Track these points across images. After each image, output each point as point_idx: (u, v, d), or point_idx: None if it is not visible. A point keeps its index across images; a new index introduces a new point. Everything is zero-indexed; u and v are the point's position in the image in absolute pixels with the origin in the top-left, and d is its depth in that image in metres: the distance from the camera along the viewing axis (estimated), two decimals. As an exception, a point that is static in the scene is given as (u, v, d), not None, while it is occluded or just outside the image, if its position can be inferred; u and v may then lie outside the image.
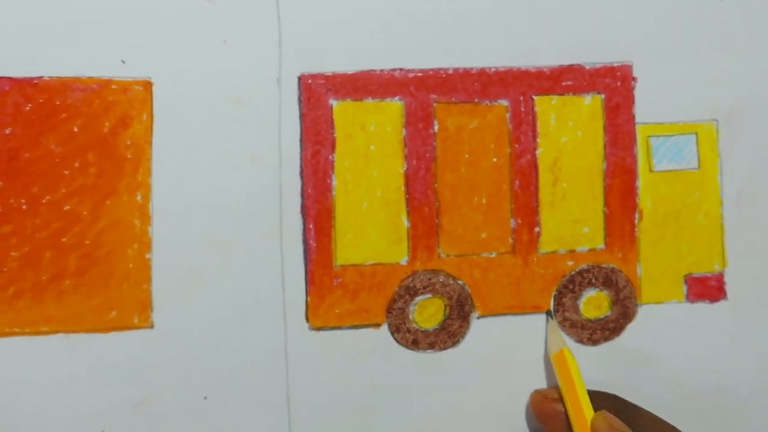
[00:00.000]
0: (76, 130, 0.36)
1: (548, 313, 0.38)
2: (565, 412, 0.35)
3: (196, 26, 0.36)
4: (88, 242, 0.36)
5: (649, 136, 0.38)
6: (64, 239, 0.35)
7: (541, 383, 0.38)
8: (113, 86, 0.36)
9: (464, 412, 0.38)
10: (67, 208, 0.35)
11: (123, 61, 0.36)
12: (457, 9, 0.38)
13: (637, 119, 0.38)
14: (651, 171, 0.38)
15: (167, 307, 0.36)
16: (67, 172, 0.35)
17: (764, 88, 0.39)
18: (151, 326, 0.36)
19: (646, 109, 0.38)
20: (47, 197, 0.35)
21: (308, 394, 0.37)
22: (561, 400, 0.36)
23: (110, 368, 0.35)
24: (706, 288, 0.39)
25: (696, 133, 0.39)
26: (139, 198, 0.36)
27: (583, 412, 0.34)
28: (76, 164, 0.36)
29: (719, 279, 0.39)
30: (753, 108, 0.39)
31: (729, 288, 0.39)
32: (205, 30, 0.36)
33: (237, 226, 0.36)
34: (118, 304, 0.36)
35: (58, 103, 0.35)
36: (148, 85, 0.36)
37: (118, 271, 0.36)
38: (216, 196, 0.36)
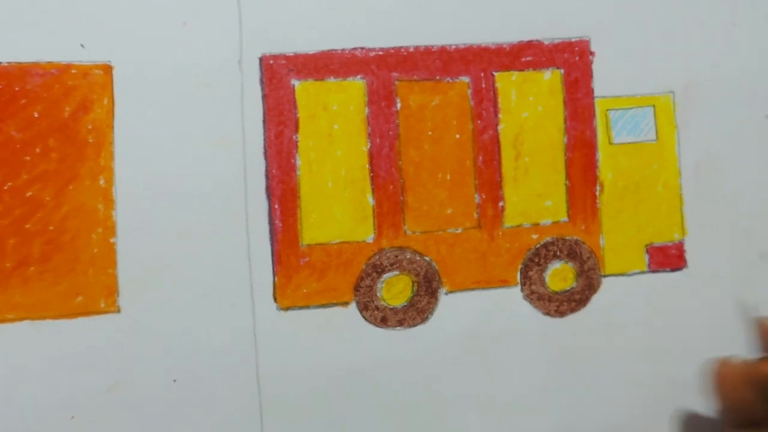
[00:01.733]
0: (36, 115, 0.37)
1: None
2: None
3: (156, 9, 0.37)
4: (51, 228, 0.37)
5: (607, 110, 0.40)
6: (27, 226, 0.36)
7: (513, 357, 0.40)
8: (73, 71, 0.37)
9: (435, 389, 0.39)
10: (29, 194, 0.36)
11: (82, 45, 0.37)
12: (417, -13, 0.39)
13: (596, 93, 0.40)
14: (610, 144, 0.40)
15: (133, 291, 0.37)
16: (28, 158, 0.36)
17: (719, 60, 0.41)
18: (118, 311, 0.37)
19: (604, 83, 0.40)
20: (9, 184, 0.36)
21: (278, 374, 0.38)
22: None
23: (78, 354, 0.36)
24: (667, 257, 0.41)
25: (653, 106, 0.41)
26: (102, 182, 0.37)
27: None
28: (38, 150, 0.37)
29: (679, 247, 0.41)
30: (709, 79, 0.41)
31: (689, 256, 0.41)
32: (165, 12, 0.37)
33: (202, 208, 0.37)
34: (84, 290, 0.37)
35: (17, 88, 0.36)
36: (108, 69, 0.37)
37: (83, 257, 0.37)
38: (180, 179, 0.37)
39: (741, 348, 0.41)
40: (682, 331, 0.41)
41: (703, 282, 0.41)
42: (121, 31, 0.37)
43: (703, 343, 0.41)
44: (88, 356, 0.37)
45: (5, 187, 0.36)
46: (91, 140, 0.37)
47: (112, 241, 0.37)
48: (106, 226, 0.37)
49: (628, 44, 0.41)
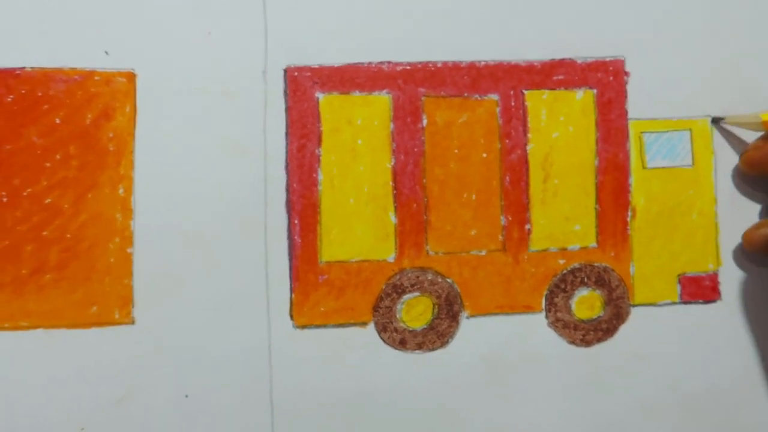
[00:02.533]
0: (58, 121, 0.37)
1: (713, 121, 0.39)
2: None
3: (181, 17, 0.38)
4: (69, 236, 0.37)
5: (642, 132, 0.39)
6: (45, 233, 0.37)
7: (533, 385, 0.39)
8: (96, 77, 0.37)
9: (452, 415, 0.39)
10: (48, 200, 0.37)
11: (106, 52, 0.37)
12: (447, 2, 0.39)
13: (630, 115, 0.40)
14: (644, 168, 0.39)
15: (148, 302, 0.37)
16: (48, 165, 0.37)
17: (759, 84, 0.40)
18: (132, 322, 0.37)
19: (638, 104, 0.39)
20: (28, 190, 0.37)
21: (292, 393, 0.38)
22: None
23: (90, 364, 0.37)
24: (700, 288, 0.40)
25: (690, 130, 0.40)
26: (121, 191, 0.37)
27: None
28: (58, 156, 0.37)
29: (713, 279, 0.40)
30: (747, 104, 0.40)
31: (723, 288, 0.40)
32: (190, 21, 0.38)
33: (220, 220, 0.37)
34: (99, 299, 0.37)
35: (40, 94, 0.37)
36: (131, 77, 0.37)
37: (99, 266, 0.37)
38: (199, 190, 0.37)
39: (776, 387, 0.40)
40: (714, 367, 0.40)
41: (737, 316, 0.40)
42: (146, 39, 0.37)
43: (734, 379, 0.40)
44: (100, 367, 0.37)
45: (24, 193, 0.36)
46: (111, 148, 0.37)
47: (129, 251, 0.37)
48: (123, 236, 0.37)
49: (664, 65, 0.40)
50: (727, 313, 0.40)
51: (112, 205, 0.37)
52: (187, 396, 0.37)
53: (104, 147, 0.37)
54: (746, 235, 0.39)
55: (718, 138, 0.40)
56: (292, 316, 0.38)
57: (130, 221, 0.37)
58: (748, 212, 0.40)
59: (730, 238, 0.40)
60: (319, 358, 0.38)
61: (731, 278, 0.40)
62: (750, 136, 0.40)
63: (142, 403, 0.37)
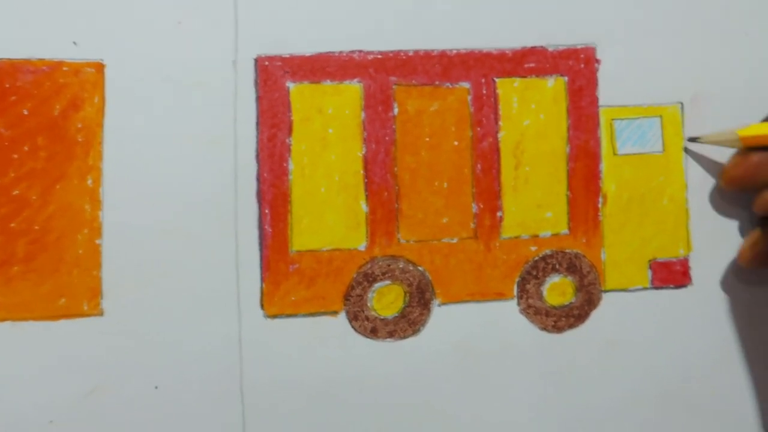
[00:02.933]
0: (25, 112, 0.37)
1: (689, 140, 0.39)
2: None
3: (150, 7, 0.38)
4: (37, 227, 0.37)
5: (612, 119, 0.40)
6: (12, 224, 0.36)
7: (505, 371, 0.39)
8: (64, 68, 0.37)
9: (424, 403, 0.39)
10: (15, 192, 0.37)
11: (75, 43, 0.37)
12: (417, -10, 0.39)
13: (601, 102, 0.40)
14: (615, 154, 0.40)
15: (117, 294, 0.37)
16: (16, 156, 0.37)
17: (729, 70, 0.40)
18: (101, 314, 0.37)
19: (609, 91, 0.40)
20: (-5, 181, 0.36)
21: (263, 383, 0.38)
22: None
23: (59, 357, 0.36)
24: (671, 273, 0.40)
25: (660, 116, 0.40)
26: (89, 182, 0.37)
27: None
28: (26, 148, 0.37)
29: (684, 264, 0.40)
30: (718, 90, 0.40)
31: (694, 273, 0.40)
32: (160, 11, 0.38)
33: (190, 211, 0.37)
34: (68, 291, 0.37)
35: (7, 85, 0.37)
36: (100, 67, 0.37)
37: (67, 257, 0.37)
38: (169, 181, 0.37)
39: (745, 369, 0.40)
40: (685, 351, 0.40)
41: (707, 300, 0.40)
42: (115, 29, 0.37)
43: (706, 362, 0.40)
44: (68, 359, 0.36)
45: (-9, 185, 0.36)
46: (80, 139, 0.37)
47: (97, 242, 0.37)
48: (92, 227, 0.37)
49: (635, 52, 0.40)
50: (698, 297, 0.40)
51: (81, 197, 0.37)
52: (156, 387, 0.37)
53: (72, 138, 0.37)
54: (742, 255, 0.39)
55: (688, 124, 0.40)
56: (262, 306, 0.38)
57: (99, 212, 0.37)
58: (719, 198, 0.40)
59: (701, 223, 0.40)
60: (289, 348, 0.38)
61: (702, 263, 0.40)
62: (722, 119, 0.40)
63: (112, 396, 0.37)
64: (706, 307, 0.40)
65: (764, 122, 0.38)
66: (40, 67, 0.37)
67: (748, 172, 0.38)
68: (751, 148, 0.38)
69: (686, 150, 0.40)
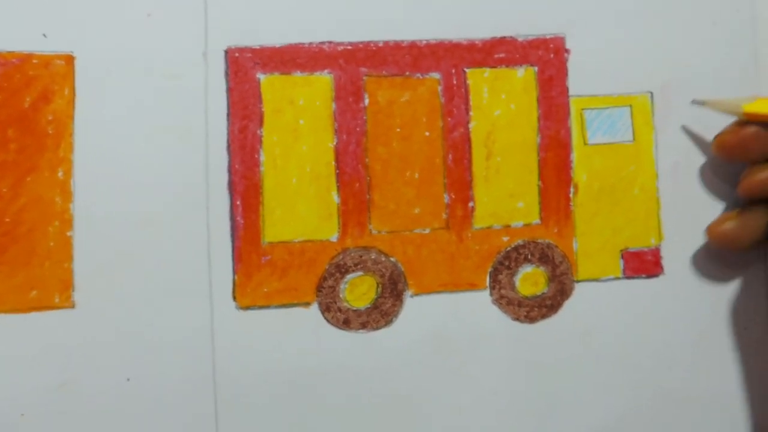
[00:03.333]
0: (-5, 105, 0.37)
1: (694, 102, 0.40)
2: None
3: (120, -1, 0.38)
4: (7, 220, 0.37)
5: (583, 109, 0.40)
6: (-18, 217, 0.37)
7: (478, 362, 0.39)
8: (34, 60, 0.37)
9: (397, 394, 0.39)
10: (-14, 185, 0.37)
11: (44, 35, 0.37)
12: (387, -19, 0.39)
13: (571, 92, 0.40)
14: (585, 144, 0.40)
15: (89, 286, 0.37)
16: (-14, 149, 0.37)
17: (699, 60, 0.41)
18: (73, 306, 0.37)
19: (579, 81, 0.40)
20: (-35, 174, 0.37)
21: (235, 375, 0.38)
22: None
23: (30, 349, 0.36)
24: (643, 263, 0.40)
25: (630, 106, 0.40)
26: (60, 174, 0.37)
27: None
28: (-4, 140, 0.37)
29: (656, 253, 0.40)
30: (688, 80, 0.41)
31: (665, 262, 0.40)
32: (129, 3, 0.38)
33: (162, 203, 0.38)
34: (39, 284, 0.37)
35: (-23, 78, 0.37)
36: (70, 60, 0.37)
37: (38, 250, 0.37)
38: (140, 173, 0.37)
39: (718, 357, 0.40)
40: (657, 340, 0.40)
41: (679, 289, 0.40)
42: (84, 21, 0.37)
43: (678, 351, 0.40)
44: (40, 352, 0.37)
45: (-39, 178, 0.37)
46: (50, 131, 0.37)
47: (68, 234, 0.37)
48: (63, 219, 0.37)
49: (604, 42, 0.40)
50: (670, 287, 0.40)
51: (52, 189, 0.37)
52: (128, 380, 0.37)
53: (43, 130, 0.37)
54: (710, 231, 0.39)
55: (658, 113, 0.41)
56: (235, 298, 0.38)
57: (70, 204, 0.37)
58: (689, 187, 0.40)
59: (672, 212, 0.40)
60: (262, 339, 0.38)
61: (673, 252, 0.40)
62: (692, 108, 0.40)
63: (84, 388, 0.37)
64: (677, 297, 0.40)
65: None
66: (10, 59, 0.37)
67: (742, 141, 0.38)
68: (751, 122, 0.38)
69: (694, 102, 0.40)
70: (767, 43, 0.41)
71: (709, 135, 0.40)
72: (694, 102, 0.40)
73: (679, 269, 0.40)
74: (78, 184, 0.37)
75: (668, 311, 0.40)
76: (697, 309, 0.40)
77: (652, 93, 0.40)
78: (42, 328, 0.37)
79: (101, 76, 0.37)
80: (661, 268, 0.40)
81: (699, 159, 0.40)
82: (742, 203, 0.39)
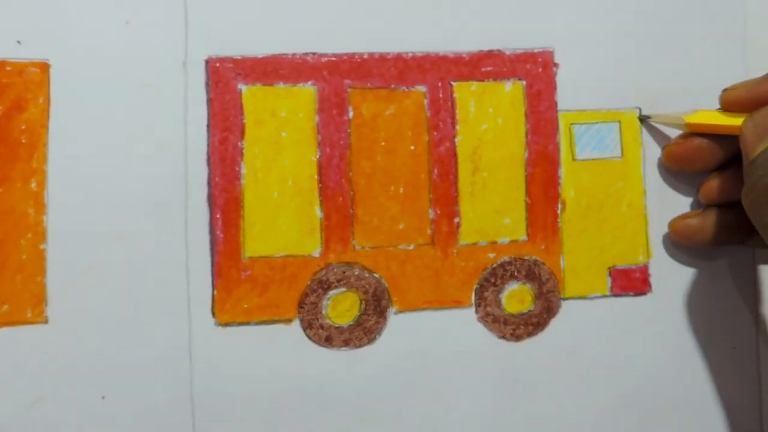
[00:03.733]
0: (-33, 114, 0.36)
1: (640, 118, 0.40)
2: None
3: (98, 6, 0.37)
4: (-22, 232, 0.36)
5: (571, 124, 0.40)
6: (-48, 229, 0.36)
7: (463, 381, 0.39)
8: (7, 68, 0.36)
9: (381, 413, 0.38)
10: (-44, 196, 0.36)
11: (18, 42, 0.36)
12: (373, -9, 0.39)
13: (559, 106, 0.40)
14: (573, 160, 0.40)
15: (63, 301, 0.36)
16: (-44, 158, 0.36)
17: (687, 76, 0.41)
18: (45, 321, 0.36)
19: (568, 96, 0.40)
20: (-65, 184, 0.36)
21: (214, 394, 0.37)
22: None
23: (1, 366, 0.35)
24: (631, 280, 0.40)
25: (619, 122, 0.40)
26: (33, 185, 0.36)
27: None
28: (-33, 150, 0.36)
29: (643, 271, 0.40)
30: (677, 96, 0.40)
31: (653, 280, 0.40)
32: (107, 9, 0.37)
33: (139, 216, 0.37)
34: (10, 298, 0.36)
35: (-52, 85, 0.36)
36: (45, 67, 0.37)
37: (10, 263, 0.36)
38: (117, 184, 0.37)
39: (706, 376, 0.40)
40: (645, 358, 0.40)
41: (667, 308, 0.40)
42: (60, 28, 0.37)
43: (665, 370, 0.40)
44: (11, 369, 0.36)
45: (-69, 188, 0.36)
46: (23, 141, 0.36)
47: (41, 247, 0.36)
48: (36, 232, 0.36)
49: (593, 57, 0.40)
50: (658, 305, 0.40)
51: (24, 200, 0.36)
52: (103, 397, 0.36)
53: (16, 139, 0.36)
54: (672, 225, 0.40)
55: (646, 130, 0.40)
56: (213, 314, 0.37)
57: (44, 216, 0.36)
58: (677, 204, 0.40)
59: (660, 230, 0.40)
60: (242, 357, 0.37)
61: (661, 270, 0.40)
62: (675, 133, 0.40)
63: (57, 406, 0.36)
64: (665, 315, 0.40)
65: (712, 111, 0.39)
66: (-17, 66, 0.36)
67: (687, 152, 0.39)
68: (697, 133, 0.38)
69: (641, 119, 0.40)
70: (758, 61, 0.41)
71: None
72: (641, 117, 0.40)
73: (668, 287, 0.40)
74: (52, 196, 0.36)
75: (656, 330, 0.40)
76: (685, 328, 0.40)
77: (640, 109, 0.40)
78: (13, 343, 0.36)
79: (77, 85, 0.36)
80: (649, 286, 0.40)
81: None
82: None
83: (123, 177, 0.37)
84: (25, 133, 0.36)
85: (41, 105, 0.37)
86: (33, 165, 0.36)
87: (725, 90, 0.38)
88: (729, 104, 0.38)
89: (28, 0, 0.36)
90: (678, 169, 0.40)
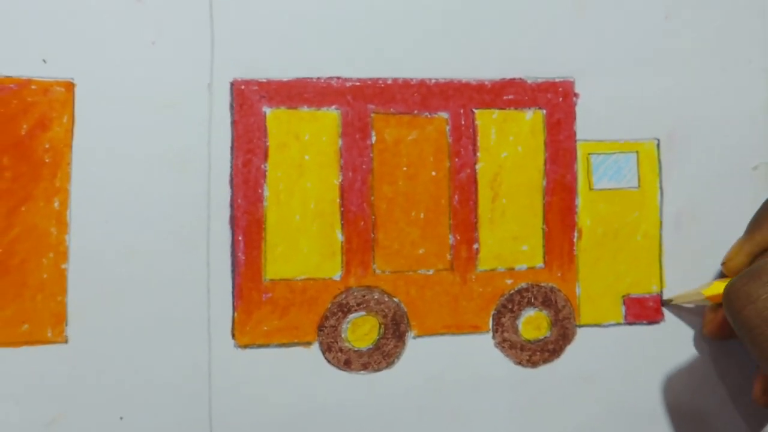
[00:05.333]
0: (-9, 131, 0.36)
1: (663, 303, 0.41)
2: None
3: (124, 25, 0.37)
4: (0, 250, 0.36)
5: (589, 154, 0.41)
6: (-27, 247, 0.36)
7: (480, 406, 0.40)
8: (33, 86, 0.37)
9: (397, 436, 0.39)
10: (-22, 213, 0.36)
11: (44, 61, 0.37)
12: (398, 18, 0.40)
13: (578, 136, 0.41)
14: (591, 189, 0.41)
15: (83, 320, 0.37)
16: (-21, 176, 0.36)
17: (706, 108, 0.42)
18: (65, 341, 0.37)
19: (587, 126, 0.41)
20: (-43, 202, 0.36)
21: (232, 416, 0.38)
22: None
23: (21, 385, 0.36)
24: (644, 309, 0.41)
25: (637, 152, 0.41)
26: (56, 205, 0.37)
27: None
28: (-10, 168, 0.36)
29: (657, 300, 0.41)
30: (694, 128, 0.42)
31: (666, 309, 0.41)
32: (133, 30, 0.38)
33: (161, 236, 0.37)
34: (31, 317, 0.36)
35: (-27, 103, 0.36)
36: (70, 86, 0.37)
37: (31, 282, 0.36)
38: (139, 205, 0.37)
39: (718, 405, 0.41)
40: (658, 386, 0.41)
41: (680, 336, 0.41)
42: (86, 47, 0.37)
43: (678, 398, 0.41)
44: (30, 388, 0.36)
45: (-47, 205, 0.36)
46: (47, 160, 0.37)
47: (63, 267, 0.37)
48: (58, 251, 0.37)
49: (613, 87, 0.41)
50: (671, 334, 0.41)
51: (47, 219, 0.37)
52: (122, 418, 0.37)
53: (40, 158, 0.37)
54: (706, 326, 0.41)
55: (664, 160, 0.42)
56: (234, 335, 0.38)
57: (66, 236, 0.37)
58: (692, 235, 0.42)
59: (674, 260, 0.41)
60: (261, 379, 0.38)
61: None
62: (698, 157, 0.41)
63: (75, 426, 0.36)
64: (678, 344, 0.41)
65: (723, 279, 0.40)
66: (8, 84, 0.36)
67: (722, 326, 0.39)
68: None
69: (664, 304, 0.41)
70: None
71: (715, 184, 0.41)
72: (663, 302, 0.41)
73: (680, 316, 0.41)
74: (74, 215, 0.37)
75: (669, 358, 0.41)
76: (697, 356, 0.41)
77: (659, 140, 0.41)
78: (33, 362, 0.36)
79: (102, 104, 0.37)
80: (662, 314, 0.41)
81: (703, 208, 0.41)
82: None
83: (146, 197, 0.37)
84: (49, 152, 0.37)
85: (65, 124, 0.37)
86: (56, 184, 0.37)
87: (724, 262, 0.40)
88: (733, 273, 0.39)
89: (54, 19, 0.37)
90: (721, 339, 0.40)
